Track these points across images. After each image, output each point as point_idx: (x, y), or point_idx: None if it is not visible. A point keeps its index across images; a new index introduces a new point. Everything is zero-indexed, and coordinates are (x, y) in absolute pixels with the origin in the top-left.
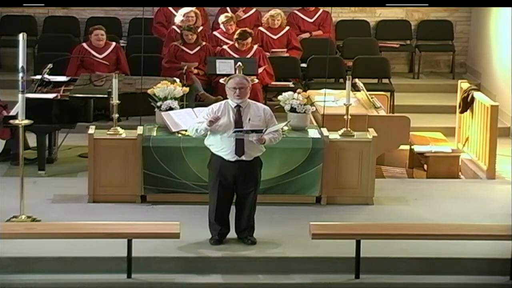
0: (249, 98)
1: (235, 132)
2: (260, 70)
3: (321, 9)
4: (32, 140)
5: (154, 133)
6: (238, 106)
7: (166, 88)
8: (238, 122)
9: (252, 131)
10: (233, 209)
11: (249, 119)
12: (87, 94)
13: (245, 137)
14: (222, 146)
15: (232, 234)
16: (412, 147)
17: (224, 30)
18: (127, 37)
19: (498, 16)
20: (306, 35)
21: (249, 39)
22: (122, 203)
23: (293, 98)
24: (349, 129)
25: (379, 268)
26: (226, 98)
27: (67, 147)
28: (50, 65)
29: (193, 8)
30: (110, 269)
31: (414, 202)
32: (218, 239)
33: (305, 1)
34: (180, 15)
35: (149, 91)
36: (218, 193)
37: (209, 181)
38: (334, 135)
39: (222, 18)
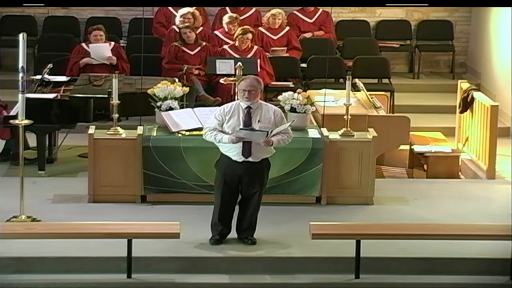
0: None
1: (240, 130)
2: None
3: (321, 9)
4: (32, 140)
5: (154, 133)
6: (248, 108)
7: (166, 88)
8: (247, 124)
9: (257, 130)
10: (236, 209)
11: (259, 121)
12: (87, 94)
13: (251, 139)
14: (230, 147)
15: (232, 234)
16: (412, 147)
17: (227, 30)
18: (127, 37)
19: (498, 16)
20: (309, 34)
21: (250, 35)
22: (122, 203)
23: (293, 98)
24: (349, 129)
25: (379, 268)
26: (226, 100)
27: (67, 147)
28: (50, 65)
29: (191, 9)
30: (110, 269)
31: (414, 202)
32: (218, 239)
33: (305, 1)
34: (178, 16)
35: (149, 91)
36: (222, 193)
37: (215, 180)
38: (334, 135)
39: (226, 19)
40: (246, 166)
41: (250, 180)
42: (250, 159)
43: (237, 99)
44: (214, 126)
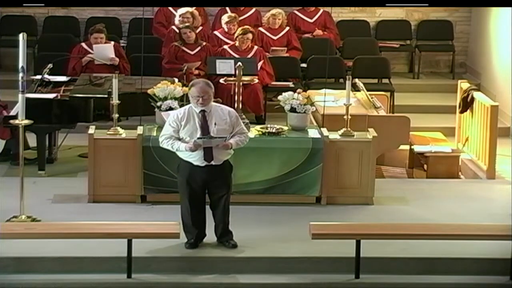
0: (249, 98)
1: (198, 138)
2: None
3: (321, 10)
4: (32, 140)
5: (154, 133)
6: (203, 111)
7: (166, 88)
8: (204, 127)
9: (215, 137)
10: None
11: (215, 124)
12: (87, 94)
13: (212, 144)
14: (191, 152)
15: (234, 235)
16: (412, 147)
17: (226, 30)
18: (127, 37)
19: (498, 16)
20: (317, 33)
21: (250, 35)
22: (122, 203)
23: (293, 98)
24: (349, 129)
25: (379, 268)
26: (226, 100)
27: (67, 147)
28: (50, 65)
29: (190, 9)
30: (110, 269)
31: (414, 202)
32: (193, 243)
33: (305, 1)
34: (177, 15)
35: (149, 91)
36: (190, 198)
37: (179, 186)
38: (334, 135)
39: (225, 18)
40: (209, 170)
41: (216, 183)
42: (212, 162)
43: (191, 104)
44: (170, 134)
